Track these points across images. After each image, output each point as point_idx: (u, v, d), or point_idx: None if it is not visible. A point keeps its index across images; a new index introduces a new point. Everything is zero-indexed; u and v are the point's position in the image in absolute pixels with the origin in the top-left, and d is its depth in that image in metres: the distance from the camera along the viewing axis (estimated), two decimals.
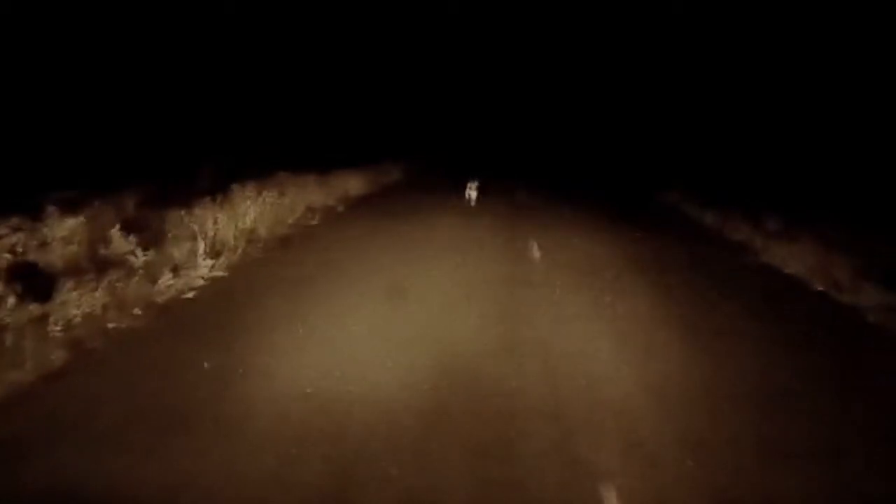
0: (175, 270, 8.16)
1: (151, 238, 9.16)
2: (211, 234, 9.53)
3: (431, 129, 35.30)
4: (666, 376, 5.56)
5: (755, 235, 11.75)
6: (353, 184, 17.08)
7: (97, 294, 6.79)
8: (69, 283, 6.81)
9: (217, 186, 10.58)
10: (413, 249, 10.41)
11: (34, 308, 6.01)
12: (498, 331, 6.69)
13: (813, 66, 15.13)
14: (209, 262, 8.39)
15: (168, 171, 11.67)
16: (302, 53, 18.53)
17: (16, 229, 7.38)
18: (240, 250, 9.60)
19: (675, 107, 23.27)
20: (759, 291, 8.81)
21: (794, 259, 10.10)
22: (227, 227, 9.98)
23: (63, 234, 8.46)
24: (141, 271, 7.87)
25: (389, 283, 8.28)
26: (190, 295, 7.66)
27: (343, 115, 22.23)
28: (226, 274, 8.51)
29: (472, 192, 16.13)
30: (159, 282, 7.73)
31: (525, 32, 39.66)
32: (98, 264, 7.98)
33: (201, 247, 8.56)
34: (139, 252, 8.22)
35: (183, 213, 9.92)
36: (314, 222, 12.46)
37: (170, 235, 9.25)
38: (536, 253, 10.28)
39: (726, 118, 18.87)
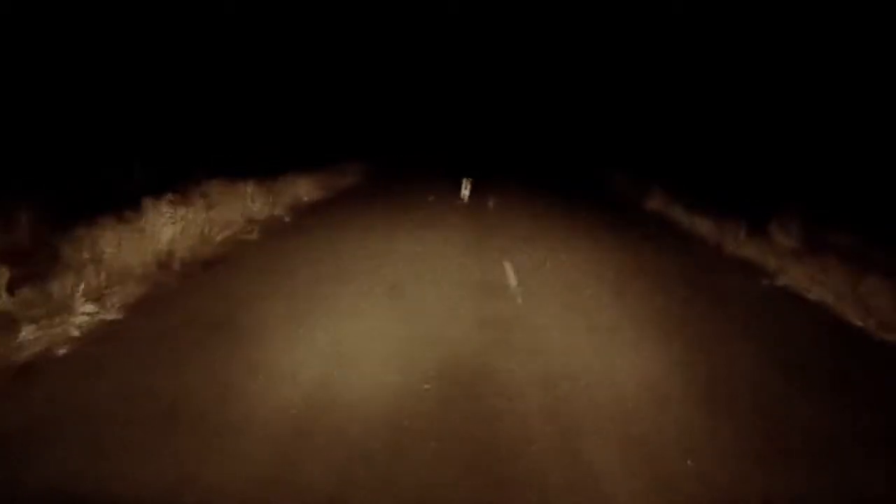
0: (50, 315, 6.29)
1: (42, 268, 7.27)
2: (111, 260, 7.66)
3: (396, 127, 33.48)
4: None
5: (766, 251, 10.16)
6: (305, 189, 15.21)
7: None
8: None
9: (125, 200, 8.65)
10: (369, 270, 8.61)
11: None
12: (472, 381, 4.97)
13: (830, 50, 13.55)
14: (91, 306, 6.48)
15: (75, 183, 9.68)
16: (243, 45, 16.53)
17: None
18: (149, 280, 7.72)
19: (666, 100, 21.66)
20: (784, 332, 7.16)
21: (818, 283, 8.51)
22: (133, 250, 8.08)
23: None
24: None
25: (340, 324, 6.51)
26: (62, 351, 5.76)
27: (293, 112, 20.26)
28: (119, 316, 6.62)
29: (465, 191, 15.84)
30: (22, 334, 5.85)
31: (507, 22, 37.97)
32: None
33: (83, 284, 6.65)
34: (2, 292, 6.33)
35: (83, 234, 8.01)
36: (252, 237, 10.57)
37: (60, 265, 7.39)
38: (512, 278, 8.55)
39: (722, 111, 17.27)
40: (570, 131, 32.89)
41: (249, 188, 12.20)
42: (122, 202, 8.64)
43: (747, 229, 11.00)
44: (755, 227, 10.95)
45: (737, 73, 16.82)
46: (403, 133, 33.99)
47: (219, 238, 9.89)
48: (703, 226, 12.56)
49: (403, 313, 7.08)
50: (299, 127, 19.80)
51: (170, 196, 9.08)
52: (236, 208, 11.28)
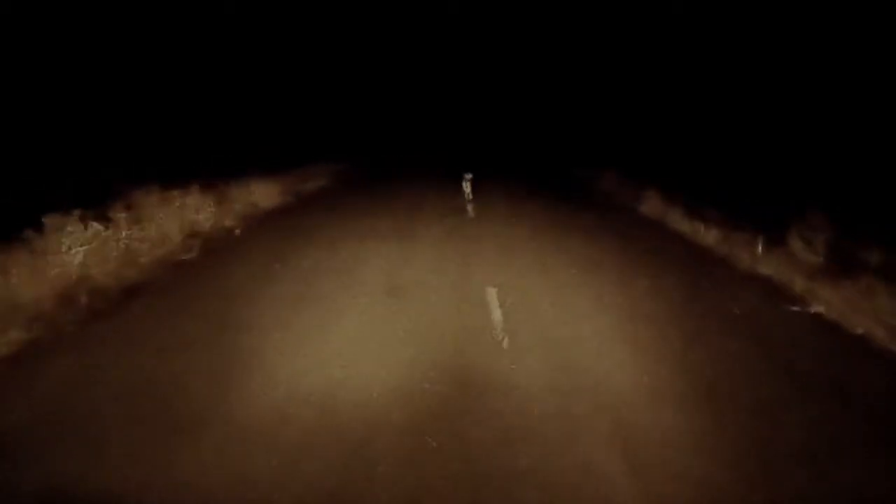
0: None
1: None
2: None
3: (377, 125, 31.89)
4: None
5: (789, 269, 8.75)
6: (264, 194, 13.64)
7: None
8: None
9: (23, 219, 7.07)
10: (326, 303, 7.09)
11: None
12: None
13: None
14: None
15: None
16: (191, 26, 14.86)
17: None
18: (41, 321, 6.17)
19: (660, 94, 20.24)
20: (835, 379, 5.74)
21: (861, 311, 7.11)
22: (27, 281, 6.52)
23: None
24: None
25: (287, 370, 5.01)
26: None
27: (256, 107, 18.64)
28: None
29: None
30: None
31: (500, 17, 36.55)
32: None
33: None
34: None
35: None
36: (190, 256, 9.02)
37: None
38: (498, 314, 7.07)
39: (723, 105, 15.84)
40: (561, 127, 31.37)
41: (193, 196, 10.64)
42: (20, 221, 7.06)
43: (765, 241, 9.58)
44: (773, 238, 9.54)
45: (742, 64, 15.42)
46: (385, 132, 32.43)
47: (146, 259, 8.32)
48: (710, 235, 11.14)
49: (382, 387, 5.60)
50: (262, 124, 18.17)
51: (79, 212, 7.48)
52: (174, 221, 9.72)
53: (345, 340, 6.09)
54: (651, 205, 14.57)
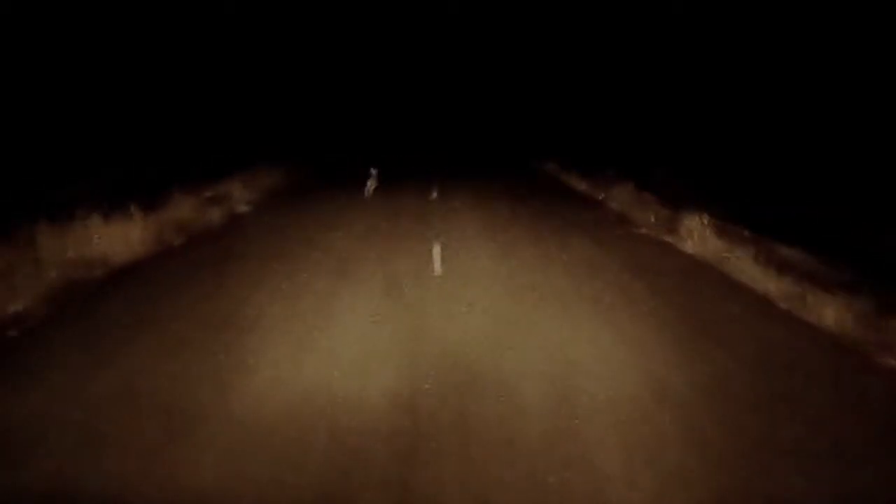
0: None
1: None
2: None
3: (320, 126, 27.37)
4: None
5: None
6: (118, 237, 8.74)
7: None
8: None
9: None
10: None
11: None
12: None
13: None
14: None
15: None
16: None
17: None
18: None
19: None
20: None
21: None
22: None
23: None
24: None
25: None
26: None
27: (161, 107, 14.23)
28: None
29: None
30: None
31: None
32: None
33: None
34: None
35: None
36: None
37: None
38: None
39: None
40: (560, 126, 27.07)
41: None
42: None
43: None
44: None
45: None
46: (333, 135, 27.90)
47: None
48: (828, 308, 6.50)
49: None
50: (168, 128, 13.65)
51: None
52: None
53: None
54: (699, 240, 9.96)
